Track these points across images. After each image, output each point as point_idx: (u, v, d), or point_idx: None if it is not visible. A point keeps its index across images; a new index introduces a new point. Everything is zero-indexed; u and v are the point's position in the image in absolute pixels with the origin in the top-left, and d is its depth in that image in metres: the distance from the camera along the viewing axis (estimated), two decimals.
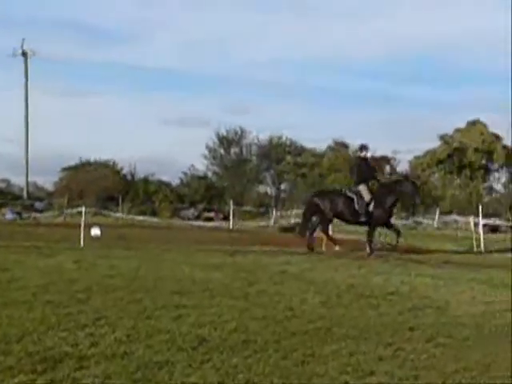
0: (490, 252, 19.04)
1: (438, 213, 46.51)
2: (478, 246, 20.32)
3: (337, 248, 16.94)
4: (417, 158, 65.93)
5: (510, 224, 43.79)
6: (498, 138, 63.56)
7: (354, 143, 69.43)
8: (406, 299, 8.65)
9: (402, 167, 68.05)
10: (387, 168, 68.11)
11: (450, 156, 63.34)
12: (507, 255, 17.99)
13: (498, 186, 67.19)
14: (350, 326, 6.63)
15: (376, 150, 67.81)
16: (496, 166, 65.12)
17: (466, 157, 62.97)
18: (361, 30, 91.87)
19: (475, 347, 5.97)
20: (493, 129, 63.86)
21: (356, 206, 16.71)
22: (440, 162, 64.55)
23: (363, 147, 18.04)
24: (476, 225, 23.15)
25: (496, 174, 66.76)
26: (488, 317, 7.52)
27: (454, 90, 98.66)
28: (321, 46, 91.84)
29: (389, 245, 17.33)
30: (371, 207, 16.71)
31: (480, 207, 23.50)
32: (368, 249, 16.55)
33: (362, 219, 16.85)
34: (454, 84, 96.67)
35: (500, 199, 61.34)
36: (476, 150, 62.52)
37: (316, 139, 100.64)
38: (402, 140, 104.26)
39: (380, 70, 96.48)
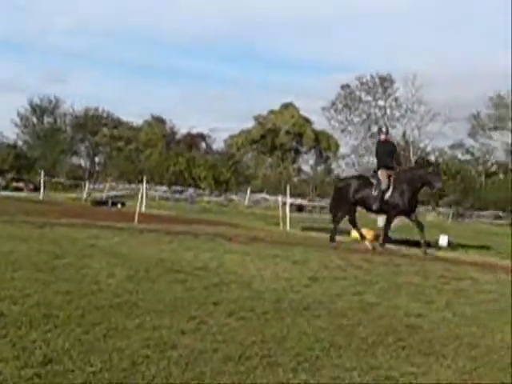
0: (294, 230, 19.95)
1: (249, 191, 47.95)
2: (285, 224, 21.25)
3: (367, 243, 15.30)
4: (232, 136, 67.39)
5: (313, 204, 46.31)
6: (308, 121, 66.62)
7: (171, 119, 69.85)
8: (213, 274, 8.83)
9: (218, 145, 69.39)
10: (203, 145, 69.07)
11: (263, 137, 65.36)
12: (309, 233, 19.03)
13: (307, 168, 70.61)
14: (156, 301, 6.68)
15: (193, 127, 68.87)
16: (305, 148, 68.27)
17: (279, 138, 65.39)
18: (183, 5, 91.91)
19: (273, 321, 6.27)
20: (304, 112, 66.82)
21: (374, 193, 15.31)
22: (254, 141, 66.49)
23: (379, 130, 17.30)
24: (284, 204, 24.20)
25: (305, 156, 70.01)
26: (287, 291, 7.93)
27: (271, 72, 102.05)
28: (145, 21, 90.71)
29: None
30: (387, 195, 15.23)
31: (288, 187, 24.59)
32: (381, 239, 15.24)
33: (378, 207, 15.39)
34: (272, 67, 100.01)
35: (307, 180, 64.54)
36: (287, 132, 65.09)
37: (133, 113, 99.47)
38: (220, 118, 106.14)
39: (198, 48, 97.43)
